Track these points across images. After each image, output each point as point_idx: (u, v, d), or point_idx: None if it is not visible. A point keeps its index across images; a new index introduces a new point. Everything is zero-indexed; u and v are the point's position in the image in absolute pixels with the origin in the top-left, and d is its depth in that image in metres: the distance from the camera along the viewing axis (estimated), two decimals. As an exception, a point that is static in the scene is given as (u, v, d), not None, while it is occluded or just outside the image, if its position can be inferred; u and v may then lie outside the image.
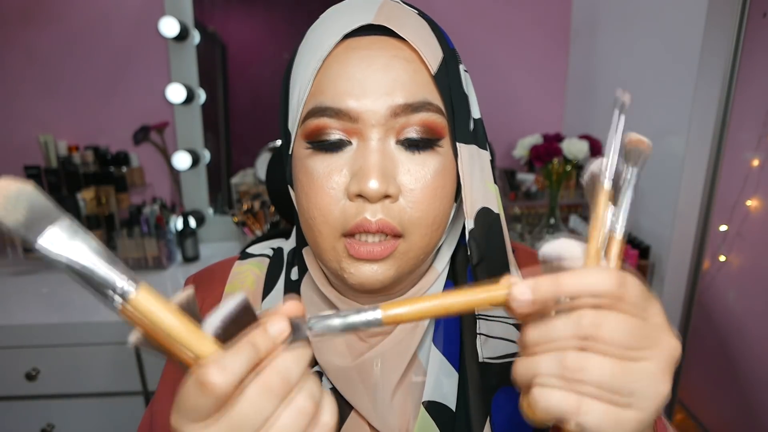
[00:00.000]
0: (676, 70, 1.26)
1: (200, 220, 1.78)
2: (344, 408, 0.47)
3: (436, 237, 0.45)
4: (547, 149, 1.57)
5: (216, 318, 0.27)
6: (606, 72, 1.63)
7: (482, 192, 0.46)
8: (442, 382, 0.46)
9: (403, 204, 0.41)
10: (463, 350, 0.47)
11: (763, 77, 1.45)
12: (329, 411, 0.29)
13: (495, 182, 0.48)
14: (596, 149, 1.57)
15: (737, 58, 1.16)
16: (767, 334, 1.48)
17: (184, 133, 1.75)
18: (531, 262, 0.55)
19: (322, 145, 0.42)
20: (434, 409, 0.45)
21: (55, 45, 1.68)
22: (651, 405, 0.29)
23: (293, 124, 0.45)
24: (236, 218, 1.62)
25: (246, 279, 0.54)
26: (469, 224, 0.45)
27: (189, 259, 1.63)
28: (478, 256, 0.45)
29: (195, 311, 0.28)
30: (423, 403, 0.45)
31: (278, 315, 0.29)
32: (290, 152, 0.46)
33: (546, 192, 1.71)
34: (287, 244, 0.58)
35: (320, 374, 0.48)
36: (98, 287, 0.25)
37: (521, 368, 0.31)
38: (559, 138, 1.63)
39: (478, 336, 0.46)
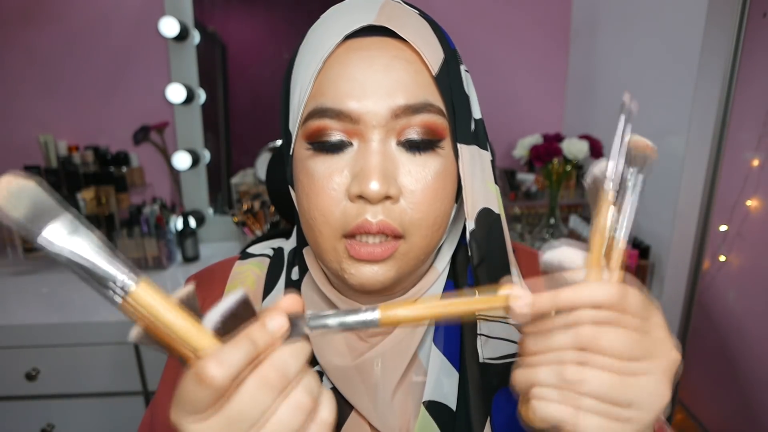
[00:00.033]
0: (676, 70, 1.26)
1: (200, 220, 1.77)
2: (344, 408, 0.47)
3: (436, 238, 0.45)
4: (547, 149, 1.57)
5: (216, 313, 0.28)
6: (606, 72, 1.63)
7: (483, 192, 0.46)
8: (442, 382, 0.46)
9: (403, 205, 0.41)
10: (464, 350, 0.47)
11: (763, 77, 1.45)
12: (328, 408, 0.29)
13: (496, 182, 0.48)
14: (596, 149, 1.57)
15: (737, 58, 1.16)
16: (767, 334, 1.48)
17: (184, 133, 1.75)
18: (531, 262, 0.55)
19: (323, 146, 0.42)
20: (434, 408, 0.45)
21: (55, 45, 1.68)
22: (648, 416, 0.29)
23: (294, 124, 0.45)
24: (236, 218, 1.62)
25: (246, 279, 0.54)
26: (470, 225, 0.45)
27: (189, 259, 1.64)
28: (479, 257, 0.45)
29: (195, 307, 0.28)
30: (423, 402, 0.46)
31: (277, 310, 0.29)
32: (291, 153, 0.46)
33: (546, 192, 1.71)
34: (288, 244, 0.58)
35: (321, 374, 0.48)
36: (99, 282, 0.25)
37: (520, 377, 0.31)
38: (559, 138, 1.63)
39: (478, 336, 0.46)
